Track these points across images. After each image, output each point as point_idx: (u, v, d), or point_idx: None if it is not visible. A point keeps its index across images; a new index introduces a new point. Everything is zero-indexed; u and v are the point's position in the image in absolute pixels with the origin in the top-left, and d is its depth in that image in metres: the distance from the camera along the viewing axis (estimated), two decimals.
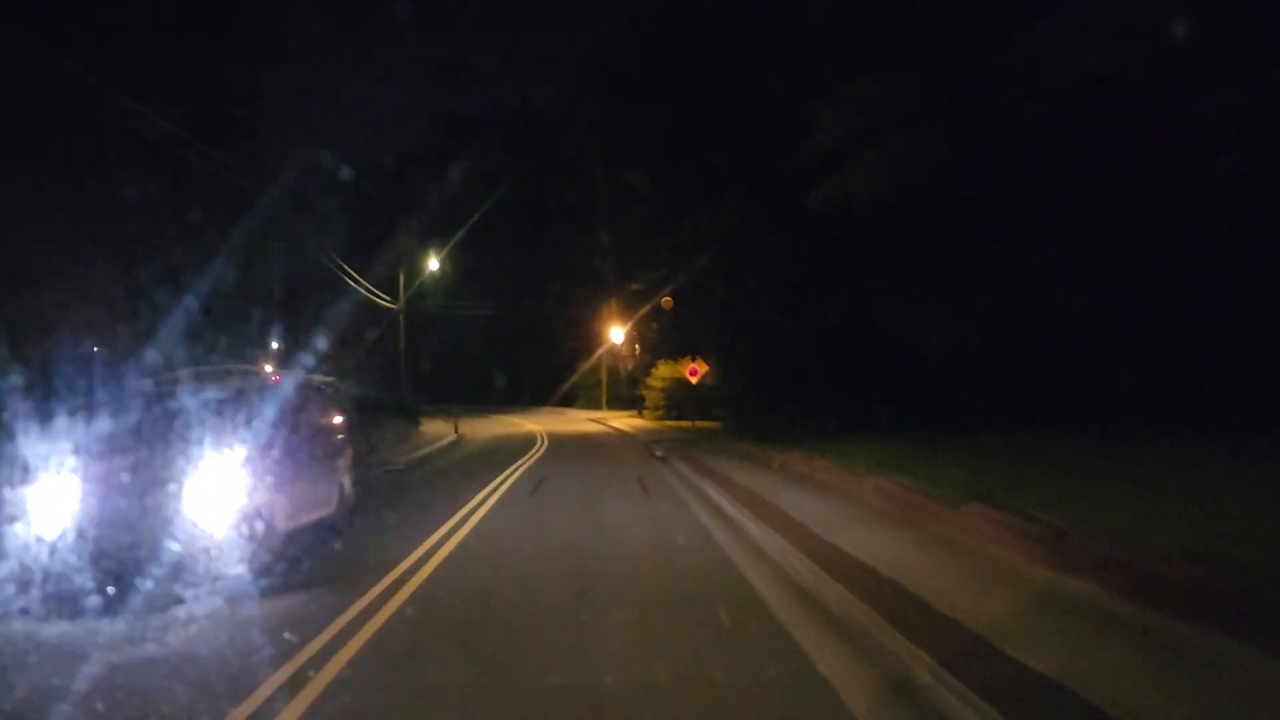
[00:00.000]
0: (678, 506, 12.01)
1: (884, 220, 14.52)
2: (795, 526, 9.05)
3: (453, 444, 28.15)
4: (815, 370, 20.07)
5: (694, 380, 28.65)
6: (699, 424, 29.59)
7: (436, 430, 33.93)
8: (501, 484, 15.05)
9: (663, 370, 37.05)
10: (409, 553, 8.27)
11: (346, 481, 10.38)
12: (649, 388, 37.78)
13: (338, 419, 10.48)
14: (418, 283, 42.62)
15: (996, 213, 13.57)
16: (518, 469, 18.07)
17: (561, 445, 25.66)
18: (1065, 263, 13.01)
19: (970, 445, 14.17)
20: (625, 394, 45.54)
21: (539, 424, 37.38)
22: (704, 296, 22.08)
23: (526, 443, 26.86)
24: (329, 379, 10.25)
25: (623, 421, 36.29)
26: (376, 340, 58.29)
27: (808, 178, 14.59)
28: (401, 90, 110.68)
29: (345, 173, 60.88)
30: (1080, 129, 11.67)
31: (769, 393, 21.29)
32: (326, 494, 9.53)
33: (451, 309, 53.38)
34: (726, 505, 11.23)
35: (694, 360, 28.39)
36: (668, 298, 36.31)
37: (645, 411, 38.63)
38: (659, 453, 21.14)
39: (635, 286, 37.99)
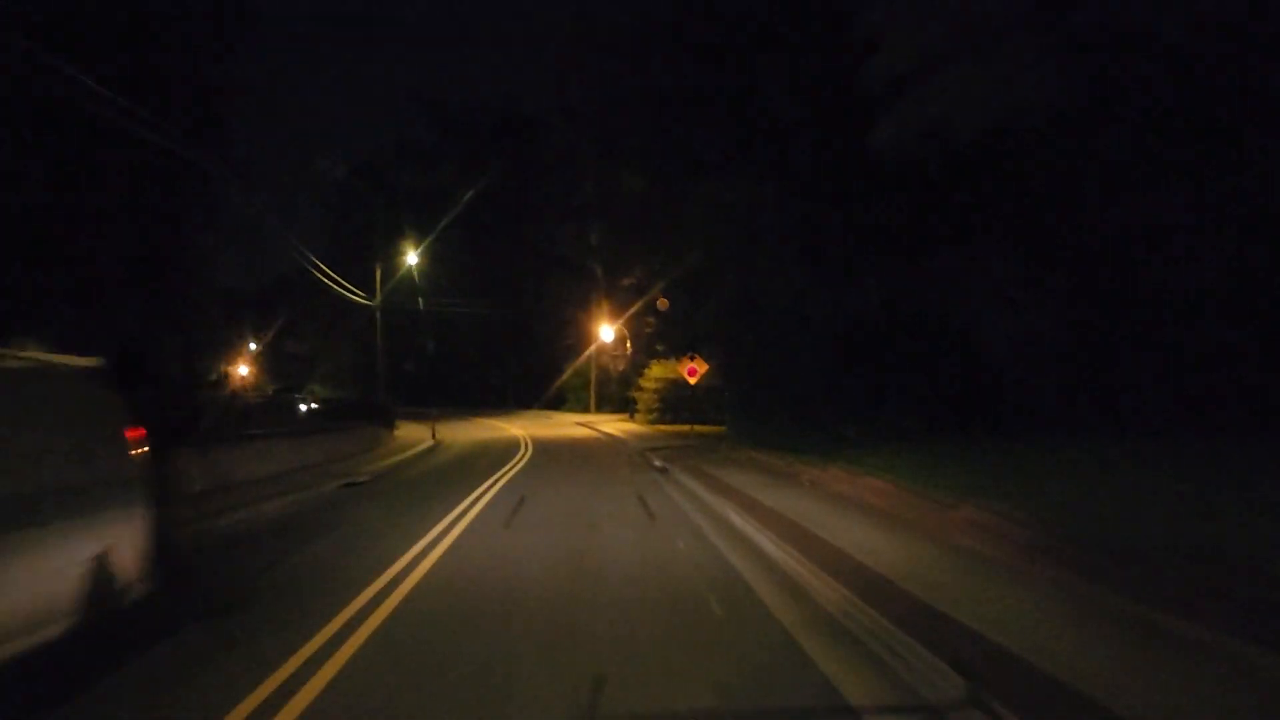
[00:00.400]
0: (698, 542, 8.90)
1: (957, 170, 11.50)
2: (892, 591, 5.98)
3: (428, 451, 24.99)
4: (839, 368, 17.09)
5: (693, 381, 25.56)
6: (697, 429, 26.54)
7: (413, 435, 30.77)
8: (472, 505, 11.95)
9: (656, 371, 34.00)
10: (269, 674, 4.58)
11: (120, 559, 5.35)
12: (641, 389, 34.70)
13: (97, 437, 5.32)
14: (396, 277, 39.40)
15: (1106, 157, 10.47)
16: (495, 483, 14.97)
17: (547, 453, 22.54)
18: (1186, 228, 10.04)
19: (1059, 460, 11.18)
20: (616, 396, 42.40)
21: (524, 428, 34.25)
22: (708, 285, 18.96)
23: (509, 450, 23.74)
24: (85, 361, 5.67)
25: (613, 426, 33.20)
26: (363, 342, 55.19)
27: (862, 117, 11.48)
28: (385, 80, 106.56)
29: (324, 164, 57.70)
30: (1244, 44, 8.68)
31: (782, 394, 18.28)
32: (26, 599, 4.49)
33: (435, 307, 50.21)
34: (767, 544, 8.15)
35: (692, 359, 25.35)
36: (663, 298, 33.32)
37: (637, 415, 35.56)
38: (658, 463, 18.06)
39: (626, 282, 34.99)
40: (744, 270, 17.47)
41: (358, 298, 37.99)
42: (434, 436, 29.10)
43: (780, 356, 18.00)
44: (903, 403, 16.28)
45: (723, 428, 27.56)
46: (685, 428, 29.75)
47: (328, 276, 33.89)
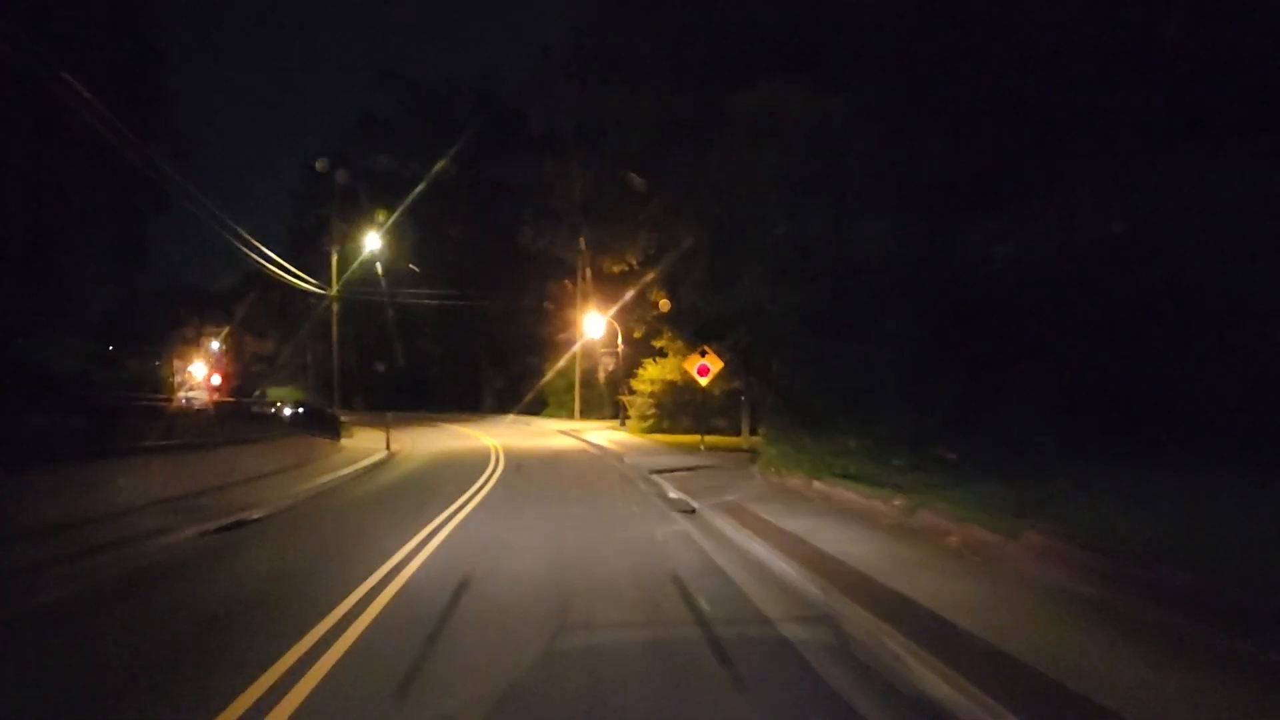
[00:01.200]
0: None
1: None
2: None
3: (373, 468, 19.06)
4: (932, 358, 11.44)
5: (704, 382, 19.83)
6: (708, 440, 20.79)
7: (365, 445, 24.78)
8: (382, 587, 6.16)
9: (651, 371, 28.19)
10: None
11: None
12: (634, 393, 28.87)
13: None
14: (356, 262, 33.28)
15: None
16: (439, 530, 9.18)
17: (522, 473, 16.71)
18: None
19: None
20: (605, 400, 36.44)
21: (497, 437, 28.31)
22: (740, 250, 13.11)
23: (475, 466, 17.89)
24: None
25: (602, 434, 27.35)
26: (329, 341, 49.20)
27: None
28: (352, 53, 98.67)
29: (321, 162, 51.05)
30: None
31: (845, 396, 12.59)
32: None
33: (405, 301, 44.21)
34: None
35: (703, 355, 19.62)
36: (665, 299, 27.57)
37: (629, 422, 29.71)
38: (674, 493, 12.30)
39: (618, 268, 29.17)
40: (795, 222, 11.76)
41: (312, 287, 31.97)
42: (388, 447, 23.18)
43: (844, 343, 12.32)
44: (1029, 407, 10.52)
45: (739, 438, 21.86)
46: (691, 439, 23.95)
47: (273, 262, 27.92)
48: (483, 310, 44.67)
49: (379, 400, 51.37)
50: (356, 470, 18.13)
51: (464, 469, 17.72)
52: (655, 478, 14.56)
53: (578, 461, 19.47)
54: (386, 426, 24.70)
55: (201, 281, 64.32)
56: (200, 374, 55.02)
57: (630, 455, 19.40)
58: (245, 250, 26.28)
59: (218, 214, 24.45)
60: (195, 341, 57.33)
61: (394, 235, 43.82)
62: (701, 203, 12.94)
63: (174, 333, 54.47)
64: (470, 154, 44.13)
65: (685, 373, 27.00)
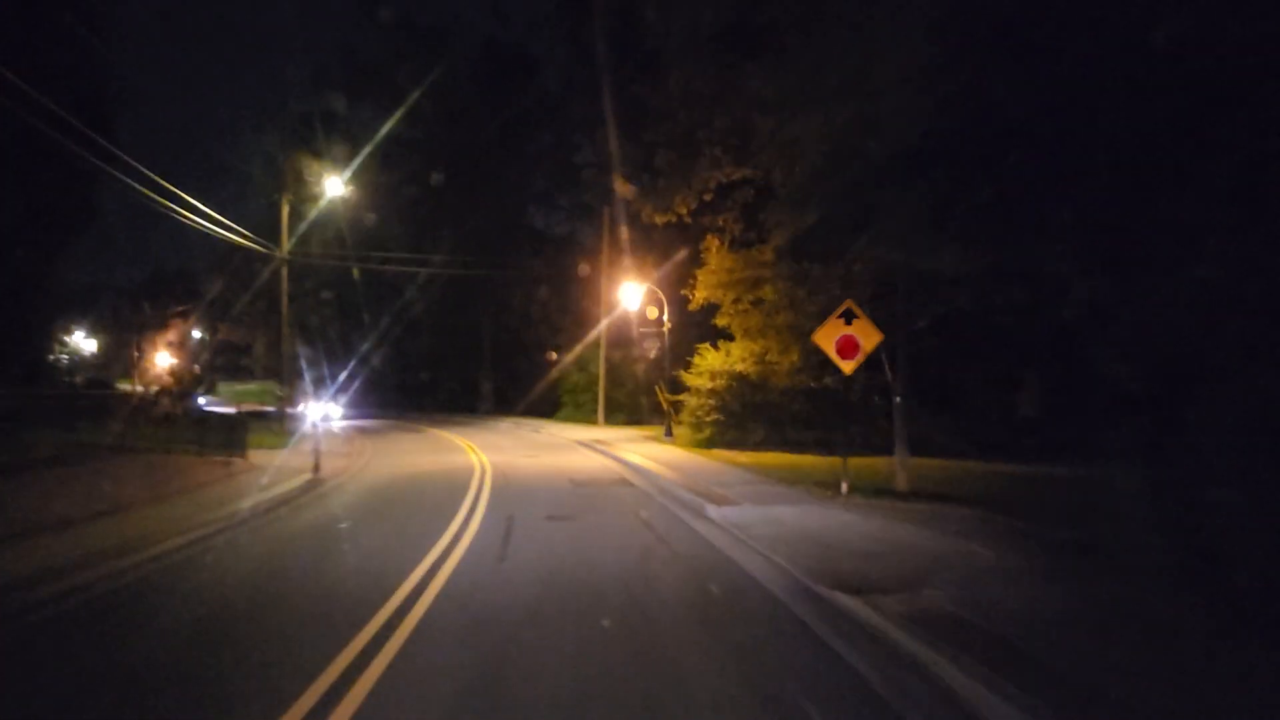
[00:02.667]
0: None
1: None
2: None
3: (272, 512, 9.94)
4: None
5: (849, 368, 10.57)
6: (853, 464, 11.23)
7: (292, 463, 15.70)
8: None
9: (712, 359, 18.90)
10: None
11: None
12: (689, 390, 19.47)
13: None
14: (308, 220, 24.19)
15: None
16: None
17: (510, 559, 7.51)
18: None
19: None
20: (639, 399, 27.01)
21: (492, 450, 19.16)
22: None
23: (436, 514, 8.75)
24: None
25: (642, 450, 18.02)
26: (310, 327, 41.00)
27: None
28: None
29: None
30: None
31: None
32: None
33: (382, 277, 35.32)
34: None
35: (849, 322, 10.43)
36: (719, 242, 18.42)
37: (677, 429, 20.39)
38: None
39: (659, 218, 19.93)
40: None
41: (257, 246, 23.01)
42: (316, 470, 14.01)
43: None
44: None
45: (880, 460, 12.37)
46: (791, 461, 14.69)
47: (203, 215, 19.19)
48: (487, 287, 35.56)
49: (366, 400, 42.62)
50: (223, 517, 8.98)
51: (419, 520, 8.59)
52: (929, 656, 5.33)
53: (617, 512, 10.20)
54: (316, 441, 15.47)
55: (196, 271, 55.86)
56: (164, 363, 46.39)
57: (716, 500, 10.13)
58: (166, 203, 17.59)
59: (115, 150, 15.60)
60: (167, 330, 48.73)
61: (389, 210, 35.18)
62: None
63: (139, 319, 46.30)
64: (477, 108, 35.25)
65: (766, 362, 17.70)
